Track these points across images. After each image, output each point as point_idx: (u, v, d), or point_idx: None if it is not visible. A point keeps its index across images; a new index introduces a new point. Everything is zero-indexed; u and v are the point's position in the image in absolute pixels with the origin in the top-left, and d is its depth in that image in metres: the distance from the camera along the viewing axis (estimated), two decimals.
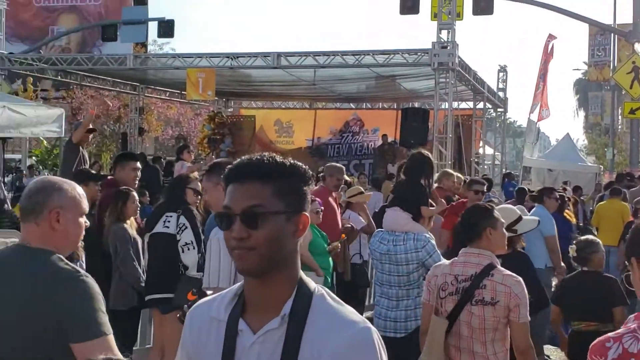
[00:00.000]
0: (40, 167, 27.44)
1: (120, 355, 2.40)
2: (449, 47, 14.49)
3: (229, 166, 1.76)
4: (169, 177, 13.20)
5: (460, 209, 6.12)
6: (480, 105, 19.82)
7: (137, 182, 6.58)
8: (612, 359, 1.87)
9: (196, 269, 5.32)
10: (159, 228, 5.56)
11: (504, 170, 21.65)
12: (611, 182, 15.29)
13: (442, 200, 7.04)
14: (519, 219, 4.92)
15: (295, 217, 1.72)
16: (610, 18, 31.93)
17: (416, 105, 21.12)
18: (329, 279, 6.19)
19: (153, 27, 20.21)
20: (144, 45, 27.58)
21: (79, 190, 2.59)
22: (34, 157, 28.33)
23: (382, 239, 5.28)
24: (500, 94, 21.23)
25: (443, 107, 15.51)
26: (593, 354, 1.92)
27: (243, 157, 1.77)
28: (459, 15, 15.58)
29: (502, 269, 3.71)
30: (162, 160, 18.50)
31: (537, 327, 4.98)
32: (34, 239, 2.47)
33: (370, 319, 5.10)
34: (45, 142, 27.49)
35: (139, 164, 6.65)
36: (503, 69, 21.48)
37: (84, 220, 2.59)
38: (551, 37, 24.91)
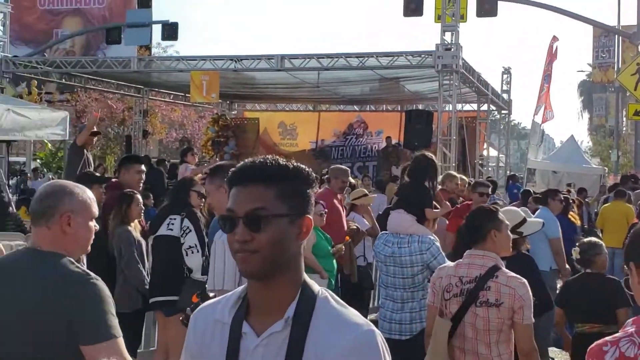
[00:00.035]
0: (45, 169, 27.47)
1: (129, 358, 2.42)
2: (452, 49, 14.48)
3: (233, 169, 1.76)
4: (173, 179, 13.22)
5: (464, 211, 6.12)
6: (485, 107, 19.81)
7: (141, 184, 6.58)
8: None
9: (200, 272, 5.32)
10: (162, 230, 5.57)
11: (508, 172, 21.64)
12: (616, 184, 15.28)
13: (447, 202, 7.04)
14: (524, 221, 4.91)
15: (298, 220, 1.72)
16: (615, 19, 31.94)
17: (420, 107, 21.11)
18: (333, 282, 6.19)
19: (157, 29, 20.25)
20: (148, 48, 27.62)
21: (89, 194, 2.62)
22: (38, 160, 28.38)
23: (387, 242, 5.28)
24: (505, 95, 21.22)
25: (447, 109, 15.51)
26: (590, 358, 1.92)
27: (246, 160, 1.76)
28: (463, 17, 15.57)
29: (507, 270, 3.71)
30: (166, 162, 18.53)
31: (542, 329, 4.97)
32: (45, 243, 2.50)
33: (375, 322, 5.11)
34: (49, 144, 27.54)
35: (143, 167, 6.65)
36: (507, 71, 21.47)
37: (93, 224, 2.62)
38: (555, 38, 24.88)
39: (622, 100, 34.56)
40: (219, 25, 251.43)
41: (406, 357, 4.61)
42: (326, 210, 6.30)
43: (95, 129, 8.05)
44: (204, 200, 5.61)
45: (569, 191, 15.31)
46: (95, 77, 20.06)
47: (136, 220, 6.04)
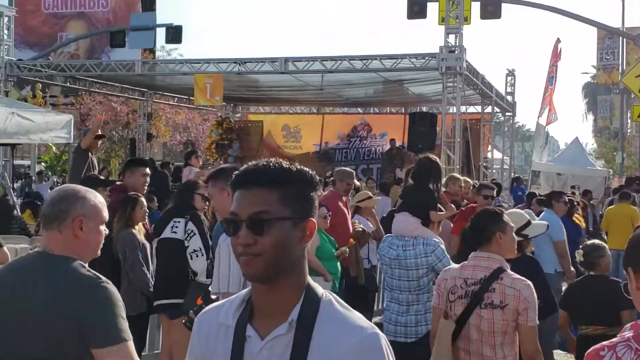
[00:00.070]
0: (49, 173, 27.54)
1: None
2: (456, 52, 14.48)
3: (236, 172, 1.76)
4: (177, 182, 13.24)
5: (469, 214, 6.11)
6: (489, 109, 19.78)
7: (146, 187, 6.59)
8: None
9: (205, 275, 5.32)
10: (166, 233, 5.57)
11: (512, 174, 21.61)
12: (621, 186, 15.24)
13: (452, 205, 7.04)
14: (528, 223, 4.91)
15: (302, 223, 1.72)
16: (619, 21, 31.88)
17: (424, 109, 21.10)
18: (337, 284, 6.18)
19: (161, 33, 20.29)
20: (152, 51, 27.68)
21: (100, 198, 2.66)
22: (42, 163, 28.45)
23: (392, 244, 5.28)
24: (509, 97, 21.21)
25: (451, 111, 15.49)
26: None
27: (250, 163, 1.77)
28: (467, 20, 15.57)
29: (512, 272, 3.72)
30: (171, 165, 18.56)
31: (546, 332, 4.96)
32: (57, 246, 2.53)
33: (379, 324, 5.10)
34: (54, 148, 27.61)
35: (148, 170, 6.65)
36: (511, 73, 21.47)
37: (104, 228, 2.66)
38: (559, 40, 24.87)
39: (626, 102, 34.50)
40: (222, 27, 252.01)
41: (411, 359, 4.61)
42: (330, 212, 6.30)
43: (99, 132, 8.07)
44: (208, 203, 5.61)
45: (573, 193, 15.29)
46: (99, 81, 20.11)
47: (140, 223, 6.04)
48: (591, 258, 5.27)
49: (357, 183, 8.58)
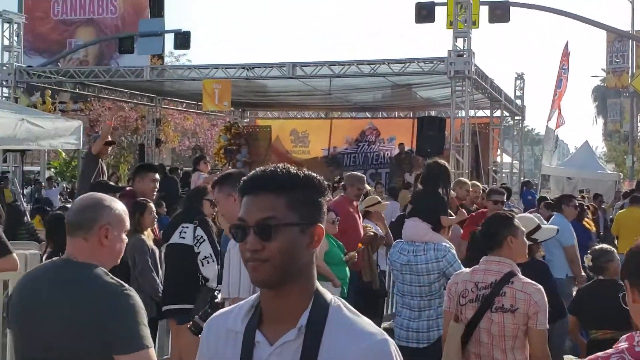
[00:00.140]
0: (59, 178, 27.68)
1: None
2: (465, 55, 14.44)
3: (244, 178, 1.76)
4: (185, 187, 13.25)
5: (479, 219, 6.09)
6: (498, 113, 19.73)
7: (155, 193, 6.60)
8: None
9: (217, 281, 5.32)
10: (175, 239, 5.57)
11: (522, 178, 21.52)
12: (632, 190, 15.15)
13: (462, 210, 7.01)
14: (538, 227, 4.90)
15: (309, 229, 1.71)
16: (629, 24, 31.77)
17: (432, 113, 21.07)
18: (346, 290, 6.16)
19: (169, 38, 20.37)
20: (161, 57, 27.80)
21: (123, 207, 2.74)
22: (52, 169, 28.61)
23: (402, 250, 5.27)
24: (518, 101, 21.14)
25: (460, 115, 15.46)
26: None
27: (257, 169, 1.77)
28: (475, 23, 15.53)
29: (522, 277, 3.73)
30: (179, 171, 18.59)
31: (556, 336, 4.94)
32: (82, 254, 2.58)
33: (388, 329, 5.09)
34: (63, 154, 27.76)
35: (157, 176, 6.66)
36: (520, 77, 21.40)
37: (125, 236, 2.72)
38: (568, 44, 24.79)
39: (636, 105, 34.38)
40: (224, 29, 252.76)
41: None
42: (339, 217, 6.28)
43: (109, 139, 8.09)
44: (216, 208, 5.61)
45: (583, 197, 15.20)
46: (108, 87, 20.20)
47: (149, 229, 6.05)
48: (600, 262, 5.26)
49: (368, 188, 8.56)
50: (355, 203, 7.22)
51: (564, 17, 17.84)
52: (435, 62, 15.00)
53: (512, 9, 16.57)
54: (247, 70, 16.64)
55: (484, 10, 16.24)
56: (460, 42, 14.68)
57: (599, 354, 1.93)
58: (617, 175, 25.62)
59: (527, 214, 5.84)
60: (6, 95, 17.75)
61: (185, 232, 5.52)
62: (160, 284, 5.84)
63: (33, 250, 6.08)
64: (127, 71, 17.82)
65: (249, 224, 1.68)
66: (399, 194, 12.83)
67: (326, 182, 1.82)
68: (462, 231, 7.23)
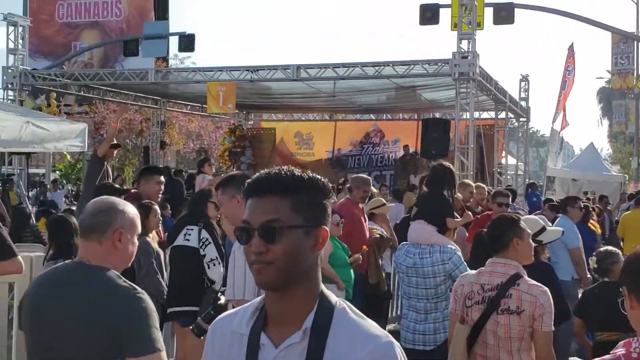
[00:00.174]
0: (64, 181, 27.73)
1: None
2: (469, 57, 14.42)
3: (248, 181, 1.76)
4: (190, 190, 13.27)
5: (485, 221, 6.09)
6: (502, 115, 19.71)
7: (160, 195, 6.60)
8: None
9: (222, 284, 5.32)
10: (179, 241, 5.58)
11: (527, 180, 21.47)
12: (637, 192, 15.10)
13: (468, 212, 7.01)
14: (543, 229, 4.89)
15: (314, 231, 1.71)
16: (634, 26, 31.70)
17: (437, 115, 21.03)
18: (351, 292, 6.15)
19: (174, 41, 20.42)
20: (165, 59, 27.82)
21: (135, 211, 2.77)
22: (57, 172, 28.65)
23: (408, 252, 5.27)
24: (523, 103, 21.10)
25: (464, 117, 15.44)
26: None
27: (262, 172, 1.77)
28: (480, 25, 15.51)
29: (528, 279, 3.74)
30: (184, 173, 18.61)
31: (561, 338, 4.93)
32: (95, 257, 2.61)
33: (392, 332, 5.09)
34: (68, 156, 27.80)
35: (162, 178, 6.67)
36: (525, 78, 21.37)
37: (137, 240, 2.76)
38: (573, 45, 24.76)
39: None
40: (225, 30, 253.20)
41: None
42: (343, 220, 6.27)
43: (115, 142, 8.10)
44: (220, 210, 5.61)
45: (588, 199, 15.17)
46: (113, 89, 20.24)
47: (154, 231, 6.05)
48: (604, 264, 5.25)
49: (374, 190, 8.56)
50: (360, 205, 7.22)
51: (568, 18, 17.83)
52: (439, 64, 15.00)
53: (516, 10, 16.56)
54: (252, 72, 16.66)
55: (488, 12, 16.24)
56: (464, 44, 14.66)
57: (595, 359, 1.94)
58: (622, 177, 25.57)
59: (531, 216, 5.83)
60: (11, 98, 17.80)
61: (189, 235, 5.52)
62: (165, 286, 5.85)
63: (38, 252, 6.09)
64: (132, 74, 17.86)
65: (254, 226, 1.69)
66: (403, 196, 12.81)
67: (330, 184, 1.81)
68: (467, 234, 7.22)
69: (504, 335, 3.67)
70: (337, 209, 6.37)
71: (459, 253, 5.19)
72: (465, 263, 5.13)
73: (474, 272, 3.97)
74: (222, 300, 3.90)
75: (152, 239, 5.98)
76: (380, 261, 7.45)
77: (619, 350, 1.92)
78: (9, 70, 17.91)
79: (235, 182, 3.98)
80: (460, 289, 3.89)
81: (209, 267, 5.42)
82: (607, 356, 1.92)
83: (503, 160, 20.87)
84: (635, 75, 34.93)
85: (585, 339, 5.55)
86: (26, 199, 14.79)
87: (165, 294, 5.79)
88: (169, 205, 10.19)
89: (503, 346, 3.69)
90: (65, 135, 10.94)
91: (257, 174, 1.77)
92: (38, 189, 21.39)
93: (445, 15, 16.28)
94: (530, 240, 3.90)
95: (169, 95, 21.91)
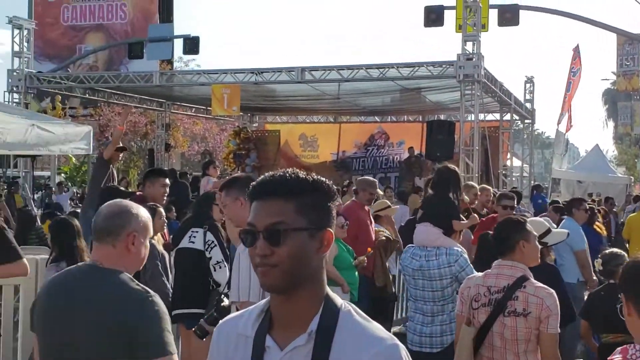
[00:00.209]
0: (69, 183, 27.77)
1: None
2: (474, 59, 14.40)
3: (253, 183, 1.76)
4: (195, 192, 13.28)
5: (490, 224, 6.08)
6: (507, 116, 19.66)
7: (165, 198, 6.60)
8: None
9: (228, 286, 5.32)
10: (184, 243, 5.58)
11: (532, 182, 21.43)
12: None
13: (474, 214, 7.00)
14: (548, 231, 4.88)
15: (319, 234, 1.71)
16: (639, 27, 31.59)
17: (442, 117, 21.01)
18: (355, 295, 6.15)
19: (178, 44, 20.44)
20: (170, 62, 27.87)
21: (148, 214, 2.80)
22: (62, 174, 28.71)
23: (414, 255, 5.26)
24: (528, 105, 21.06)
25: (469, 119, 15.41)
26: None
27: (266, 174, 1.76)
28: (484, 27, 15.50)
29: (535, 281, 3.74)
30: (189, 175, 18.63)
31: (567, 339, 4.92)
32: (108, 260, 2.63)
33: (397, 334, 5.08)
34: (73, 159, 27.88)
35: (167, 181, 6.68)
36: (530, 80, 21.33)
37: (148, 243, 2.79)
38: (578, 47, 24.72)
39: None
40: (228, 33, 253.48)
41: None
42: (348, 222, 6.27)
43: (120, 145, 8.11)
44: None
45: (593, 201, 15.13)
46: (118, 92, 20.27)
47: (159, 233, 6.05)
48: (610, 266, 5.24)
49: (379, 192, 8.56)
50: (366, 208, 7.21)
51: (573, 20, 17.78)
52: (444, 65, 14.96)
53: (521, 12, 16.54)
54: (256, 74, 16.66)
55: (493, 14, 16.22)
56: (469, 46, 14.63)
57: None
58: (627, 179, 25.51)
59: (536, 218, 5.82)
60: (16, 101, 17.83)
61: (194, 237, 5.52)
62: (170, 289, 5.85)
63: (43, 255, 6.09)
64: (137, 76, 17.88)
65: (258, 229, 1.68)
66: (408, 198, 12.80)
67: (335, 187, 1.81)
68: (472, 236, 7.21)
69: (510, 337, 3.68)
70: (343, 212, 6.36)
71: (465, 255, 5.18)
72: (471, 265, 5.12)
73: (480, 274, 3.97)
74: (226, 302, 3.89)
75: (157, 241, 5.98)
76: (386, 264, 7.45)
77: (616, 356, 1.90)
78: (14, 73, 17.95)
79: (238, 183, 3.98)
80: (466, 291, 3.89)
81: (214, 270, 5.42)
82: None
83: (508, 162, 20.82)
84: None
85: (591, 340, 5.54)
86: (31, 201, 14.84)
87: (170, 297, 5.79)
88: (174, 208, 10.19)
89: (509, 348, 3.69)
90: (71, 138, 10.96)
91: (262, 176, 1.77)
92: (43, 191, 21.45)
93: (449, 17, 16.29)
94: (537, 243, 3.91)
95: (174, 98, 21.94)
